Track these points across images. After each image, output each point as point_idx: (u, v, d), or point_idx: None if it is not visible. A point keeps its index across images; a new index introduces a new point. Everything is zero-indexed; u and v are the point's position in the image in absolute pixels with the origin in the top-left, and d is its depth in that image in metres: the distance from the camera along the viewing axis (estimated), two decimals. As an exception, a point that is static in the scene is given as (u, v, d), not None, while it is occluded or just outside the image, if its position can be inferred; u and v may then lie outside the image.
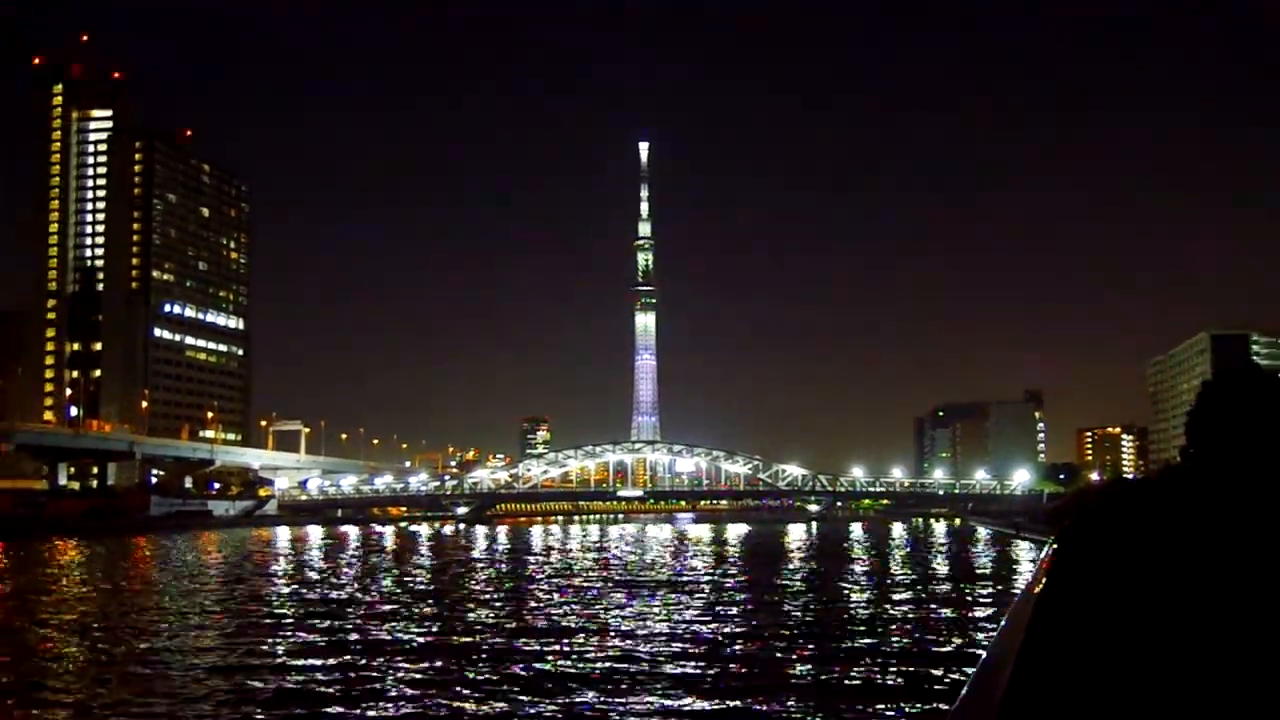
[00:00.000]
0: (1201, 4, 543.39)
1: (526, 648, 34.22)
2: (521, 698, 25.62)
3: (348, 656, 32.75)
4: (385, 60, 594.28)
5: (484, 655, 32.68)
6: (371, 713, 24.20)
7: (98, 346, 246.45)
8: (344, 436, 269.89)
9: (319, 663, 31.51)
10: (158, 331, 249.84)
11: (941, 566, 78.04)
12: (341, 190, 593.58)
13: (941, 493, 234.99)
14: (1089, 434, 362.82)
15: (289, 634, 38.78)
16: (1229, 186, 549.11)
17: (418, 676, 28.86)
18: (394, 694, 26.29)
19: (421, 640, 36.79)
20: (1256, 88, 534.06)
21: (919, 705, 24.47)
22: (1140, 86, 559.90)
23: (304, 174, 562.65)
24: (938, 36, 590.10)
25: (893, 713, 23.70)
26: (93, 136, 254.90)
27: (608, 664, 30.58)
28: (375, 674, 29.22)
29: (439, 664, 30.97)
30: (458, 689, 26.82)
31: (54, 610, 48.54)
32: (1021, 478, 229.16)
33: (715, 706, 24.50)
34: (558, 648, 34.07)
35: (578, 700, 25.29)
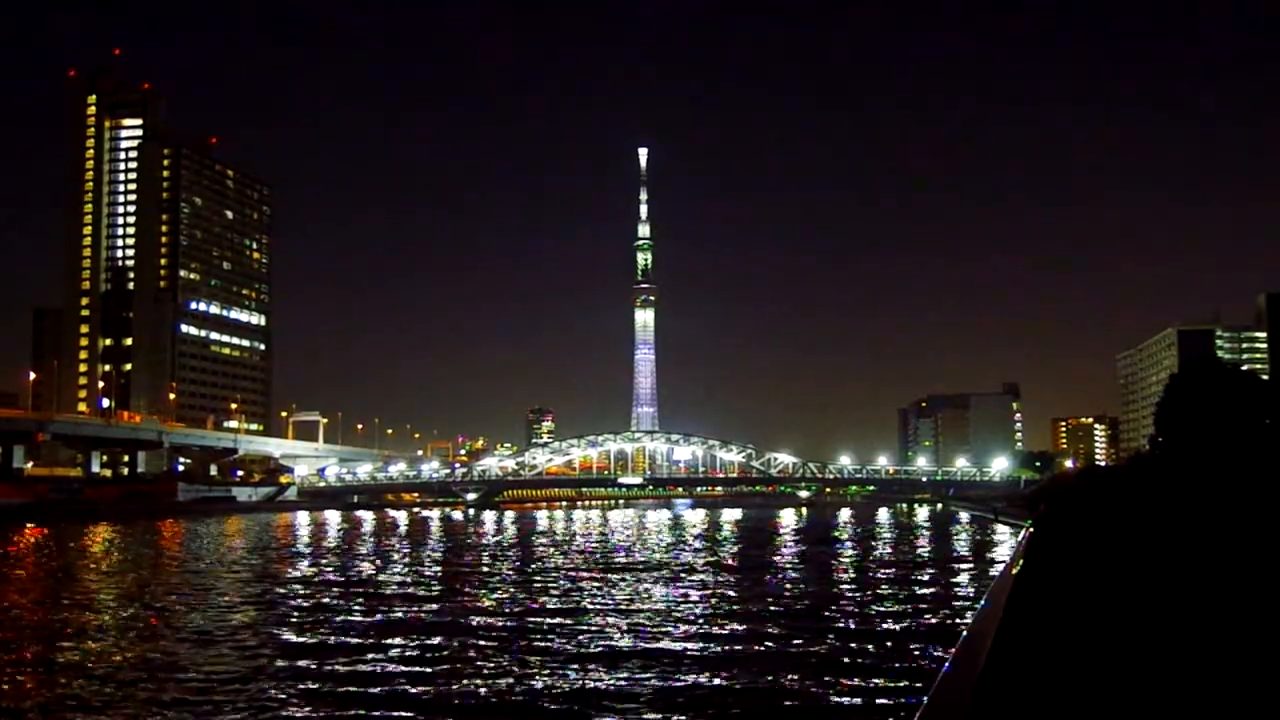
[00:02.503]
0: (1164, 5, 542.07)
1: (530, 622, 34.24)
2: (523, 670, 25.66)
3: (365, 630, 32.85)
4: (397, 68, 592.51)
5: (489, 630, 32.74)
6: (384, 683, 24.24)
7: (129, 342, 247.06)
8: (359, 427, 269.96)
9: (336, 635, 31.58)
10: (184, 328, 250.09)
11: (925, 548, 78.12)
12: (357, 193, 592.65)
13: (924, 479, 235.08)
14: (1063, 424, 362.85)
15: (310, 608, 38.85)
16: (1196, 188, 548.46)
17: (426, 651, 28.90)
18: (404, 667, 26.35)
19: (430, 615, 36.87)
20: (1221, 90, 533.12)
21: (904, 678, 24.48)
22: (1108, 89, 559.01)
23: (321, 178, 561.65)
24: (918, 45, 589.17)
25: (879, 682, 23.71)
26: (124, 144, 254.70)
27: (606, 639, 30.62)
28: (388, 647, 29.29)
29: (446, 637, 31.00)
30: (464, 662, 26.87)
31: (96, 588, 48.59)
32: (1000, 465, 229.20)
33: (708, 678, 24.56)
34: (560, 624, 34.10)
35: (577, 673, 25.34)
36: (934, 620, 35.42)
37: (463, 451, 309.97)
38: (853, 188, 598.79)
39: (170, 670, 26.44)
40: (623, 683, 24.23)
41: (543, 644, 29.95)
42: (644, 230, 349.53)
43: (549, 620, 35.34)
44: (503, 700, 22.65)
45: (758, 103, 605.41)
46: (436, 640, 30.99)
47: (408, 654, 28.57)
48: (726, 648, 29.34)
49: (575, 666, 26.28)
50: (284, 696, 23.12)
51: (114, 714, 21.82)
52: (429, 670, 26.06)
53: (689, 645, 29.76)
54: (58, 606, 41.23)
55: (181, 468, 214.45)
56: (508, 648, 29.34)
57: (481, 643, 30.40)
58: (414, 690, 23.62)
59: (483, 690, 23.68)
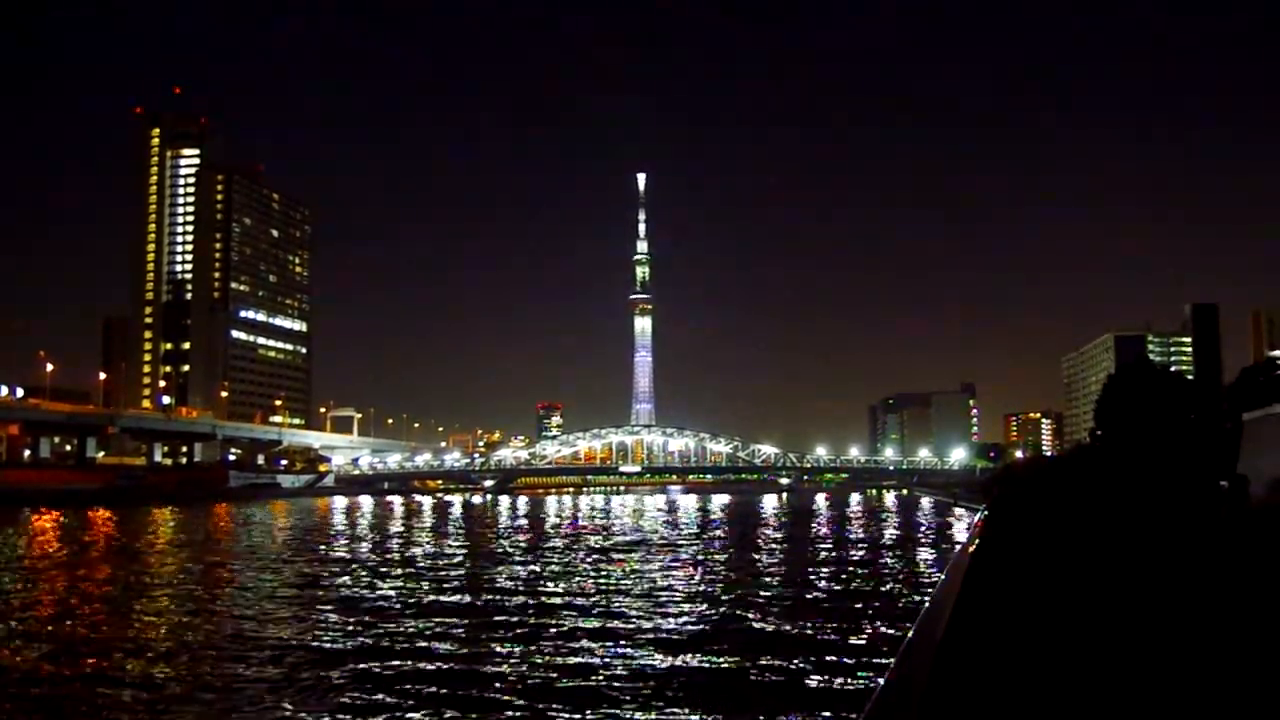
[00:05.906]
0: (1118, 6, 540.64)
1: (541, 595, 34.24)
2: (535, 639, 25.69)
3: (401, 594, 32.88)
4: (424, 100, 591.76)
5: (506, 601, 32.75)
6: (416, 643, 24.30)
7: (186, 346, 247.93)
8: (389, 421, 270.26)
9: (375, 601, 31.63)
10: (235, 333, 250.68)
11: (891, 528, 78.11)
12: (388, 212, 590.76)
13: (892, 468, 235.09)
14: (1014, 418, 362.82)
15: (351, 579, 38.87)
16: (1134, 207, 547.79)
17: (454, 617, 28.89)
18: (434, 630, 26.38)
19: (457, 585, 36.82)
20: (1167, 103, 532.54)
21: (873, 644, 24.50)
22: (1062, 101, 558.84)
23: (354, 199, 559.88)
24: (886, 75, 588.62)
25: (852, 647, 23.70)
26: (183, 171, 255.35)
27: (608, 609, 30.64)
28: (422, 610, 29.31)
29: (471, 605, 31.01)
30: (482, 629, 26.90)
31: (166, 560, 48.61)
32: (958, 455, 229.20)
33: (698, 646, 24.60)
34: (568, 596, 34.09)
35: (583, 643, 25.38)
36: (898, 592, 35.38)
37: (481, 443, 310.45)
38: (827, 209, 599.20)
39: (231, 633, 26.52)
40: (622, 644, 24.27)
41: (551, 609, 29.98)
42: (642, 246, 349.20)
43: (558, 588, 35.39)
44: (517, 662, 22.68)
45: (743, 136, 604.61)
46: (464, 607, 30.99)
47: (438, 619, 28.54)
48: (716, 614, 29.36)
49: (582, 631, 26.31)
50: (327, 660, 23.19)
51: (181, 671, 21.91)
52: (457, 636, 26.06)
53: (682, 611, 29.78)
54: (135, 575, 41.26)
55: (232, 457, 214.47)
56: (523, 612, 29.36)
57: (500, 609, 30.41)
58: (441, 651, 23.69)
59: (500, 651, 23.73)
